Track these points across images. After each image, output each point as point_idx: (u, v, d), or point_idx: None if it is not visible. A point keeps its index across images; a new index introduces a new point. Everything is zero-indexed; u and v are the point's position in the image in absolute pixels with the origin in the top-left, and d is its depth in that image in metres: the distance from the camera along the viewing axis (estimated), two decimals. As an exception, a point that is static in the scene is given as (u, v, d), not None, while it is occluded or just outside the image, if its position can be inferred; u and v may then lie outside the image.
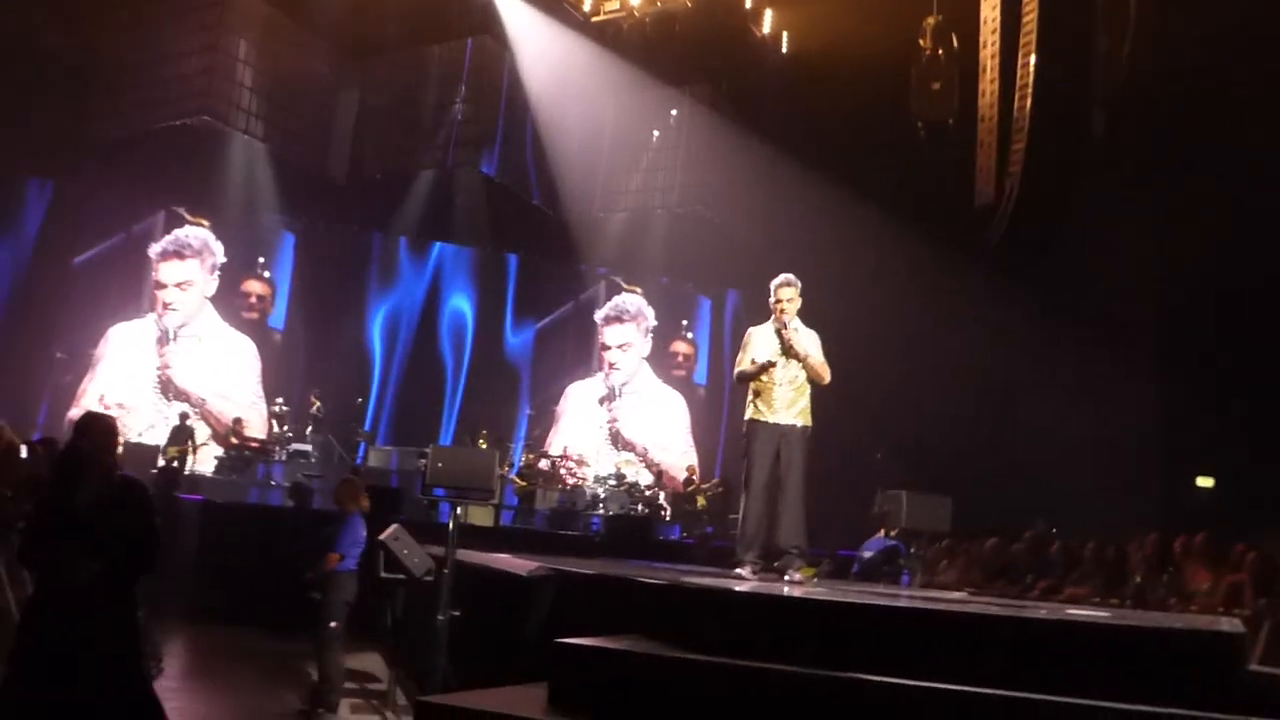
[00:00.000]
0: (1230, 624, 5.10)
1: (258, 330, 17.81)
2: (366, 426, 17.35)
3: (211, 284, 17.45)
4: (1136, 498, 14.58)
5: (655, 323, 18.60)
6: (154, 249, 17.20)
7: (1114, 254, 14.74)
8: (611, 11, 17.40)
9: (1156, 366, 15.22)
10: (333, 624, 7.92)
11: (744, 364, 7.17)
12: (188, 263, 17.29)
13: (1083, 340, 14.83)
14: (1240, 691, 4.08)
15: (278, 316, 18.07)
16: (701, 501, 16.07)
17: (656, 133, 19.18)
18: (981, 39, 14.07)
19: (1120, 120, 13.50)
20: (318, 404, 16.35)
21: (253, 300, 17.74)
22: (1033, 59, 13.36)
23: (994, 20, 13.90)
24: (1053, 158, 13.82)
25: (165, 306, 17.10)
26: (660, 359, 19.16)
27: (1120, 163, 14.14)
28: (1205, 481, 15.56)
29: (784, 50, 17.59)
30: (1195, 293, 14.67)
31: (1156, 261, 15.08)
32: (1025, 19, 13.46)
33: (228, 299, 17.59)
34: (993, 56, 13.95)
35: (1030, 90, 13.36)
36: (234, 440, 15.74)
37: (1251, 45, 12.57)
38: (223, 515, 12.44)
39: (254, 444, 15.82)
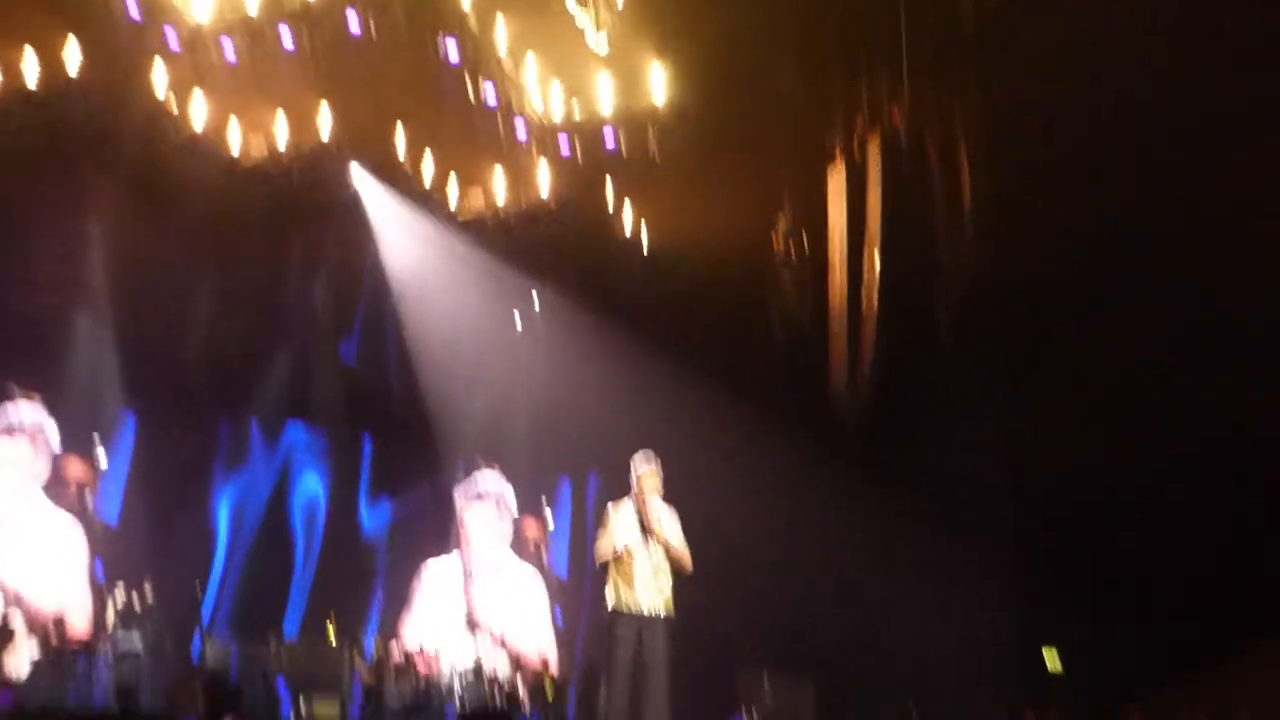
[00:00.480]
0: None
1: (84, 518, 16.64)
2: (206, 617, 16.26)
3: (41, 466, 16.41)
4: (993, 684, 14.74)
5: (515, 505, 18.22)
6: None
7: (969, 452, 15.41)
8: (475, 210, 17.87)
9: (1015, 577, 15.69)
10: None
11: (602, 541, 7.09)
12: (17, 439, 16.24)
13: (941, 542, 15.20)
14: None
15: (111, 503, 17.00)
16: (549, 693, 15.46)
17: (519, 319, 19.43)
18: (830, 240, 14.89)
19: (968, 322, 14.32)
20: (146, 596, 15.30)
21: (73, 487, 16.60)
22: (878, 262, 14.17)
23: (842, 224, 14.78)
24: (907, 356, 14.51)
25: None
26: (520, 541, 18.73)
27: (971, 365, 14.93)
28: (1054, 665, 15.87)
29: (644, 248, 18.28)
30: (1048, 492, 15.38)
31: (1010, 462, 15.81)
32: (870, 224, 14.35)
33: (53, 484, 16.49)
34: (841, 257, 14.74)
35: (876, 288, 14.10)
36: (53, 639, 14.47)
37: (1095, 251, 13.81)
38: None
39: (78, 642, 14.59)
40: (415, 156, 17.30)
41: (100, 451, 16.52)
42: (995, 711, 13.95)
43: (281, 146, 16.34)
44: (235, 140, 16.48)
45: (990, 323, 14.62)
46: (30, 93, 15.03)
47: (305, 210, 17.49)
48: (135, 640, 14.66)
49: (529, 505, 19.60)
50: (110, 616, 15.22)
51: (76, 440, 16.57)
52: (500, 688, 15.82)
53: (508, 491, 19.27)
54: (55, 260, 16.16)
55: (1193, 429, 14.05)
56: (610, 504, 7.26)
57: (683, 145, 15.83)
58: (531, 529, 19.54)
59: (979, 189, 13.90)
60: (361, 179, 16.96)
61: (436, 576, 19.35)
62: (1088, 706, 12.28)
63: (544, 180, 17.30)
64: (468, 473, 19.31)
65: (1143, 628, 13.67)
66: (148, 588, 15.65)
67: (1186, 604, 13.70)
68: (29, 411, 16.23)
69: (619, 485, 7.16)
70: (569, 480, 19.61)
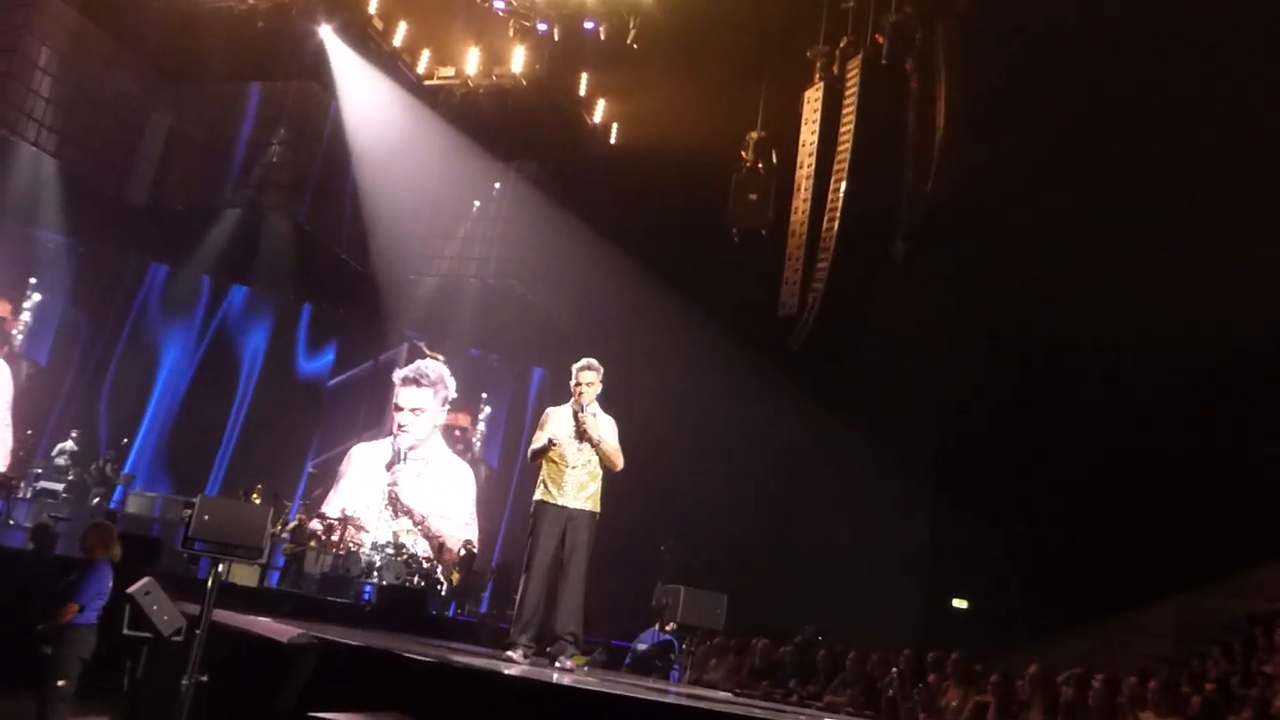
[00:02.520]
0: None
1: (8, 357, 16.30)
2: (129, 468, 16.19)
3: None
4: (899, 612, 15.27)
5: (454, 394, 18.26)
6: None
7: (904, 378, 15.67)
8: (446, 78, 17.41)
9: (931, 489, 16.15)
10: (60, 682, 7.20)
11: (538, 442, 7.12)
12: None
13: (866, 456, 15.59)
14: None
15: (40, 342, 16.69)
16: (455, 576, 15.78)
17: (478, 203, 19.15)
18: (799, 159, 14.78)
19: (921, 251, 14.39)
20: (72, 439, 15.18)
21: (-1, 320, 16.25)
22: (844, 185, 14.10)
23: (812, 144, 14.65)
24: (856, 279, 14.57)
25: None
26: (453, 430, 18.79)
27: (916, 291, 15.06)
28: (961, 603, 16.47)
29: (613, 140, 18.04)
30: (973, 423, 15.75)
31: (940, 391, 16.13)
32: (840, 147, 14.23)
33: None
34: (807, 177, 14.64)
35: (839, 214, 14.07)
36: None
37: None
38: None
39: (-4, 477, 14.49)
40: (387, 18, 16.82)
41: (30, 291, 16.45)
42: (901, 633, 14.48)
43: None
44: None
45: (941, 249, 14.79)
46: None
47: (268, 60, 16.91)
48: (56, 482, 14.65)
49: (468, 394, 19.79)
50: (32, 454, 15.22)
51: (5, 274, 16.33)
52: (419, 567, 16.13)
53: (448, 380, 19.37)
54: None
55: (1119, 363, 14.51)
56: (550, 409, 7.27)
57: (663, 40, 15.51)
58: (466, 419, 19.75)
59: (954, 119, 13.83)
60: (329, 35, 16.37)
61: (365, 459, 19.50)
62: (989, 644, 12.80)
63: (518, 58, 16.95)
64: (410, 358, 19.34)
65: (1040, 574, 14.22)
66: (74, 431, 15.67)
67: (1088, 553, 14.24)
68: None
69: (562, 383, 7.15)
70: (513, 373, 19.70)
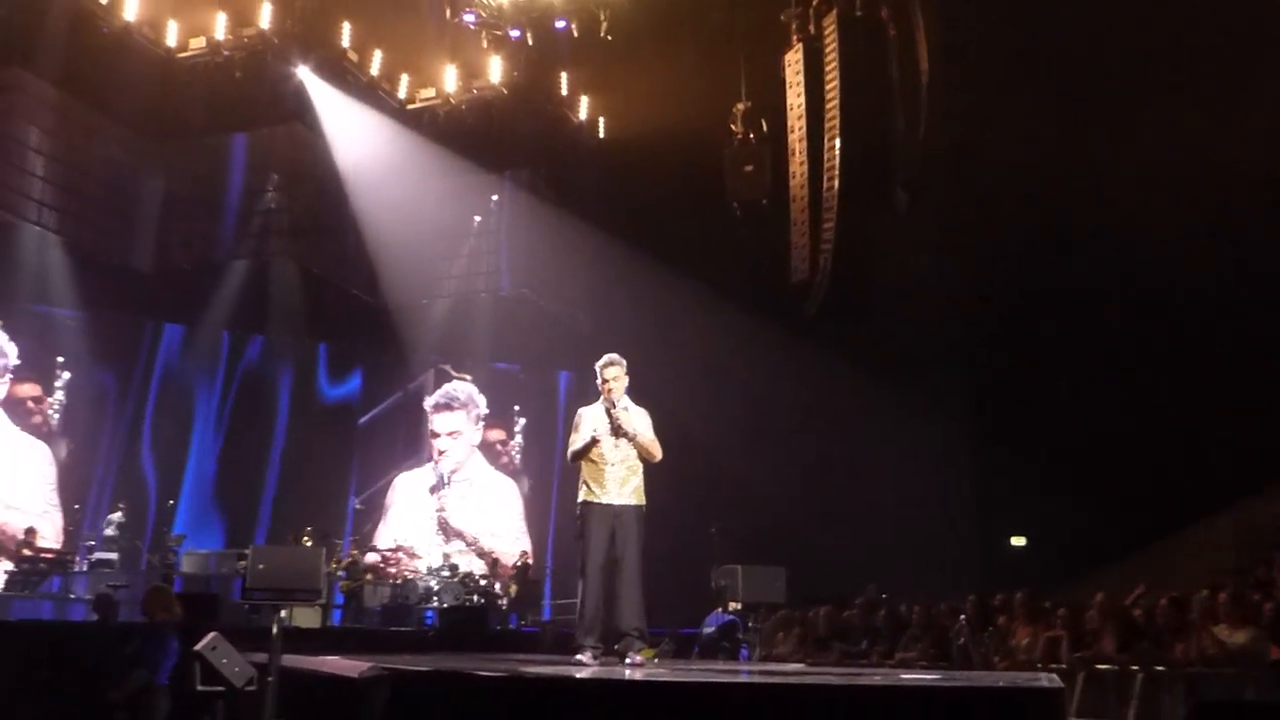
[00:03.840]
0: (1049, 679, 5.31)
1: (47, 437, 16.54)
2: (177, 528, 16.33)
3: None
4: (958, 558, 15.20)
5: (486, 410, 18.33)
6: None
7: (927, 324, 15.55)
8: (427, 99, 17.45)
9: (972, 430, 16.04)
10: (141, 747, 7.32)
11: (575, 444, 7.12)
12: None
13: (901, 407, 15.50)
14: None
15: (74, 417, 16.85)
16: (512, 588, 15.88)
17: (478, 218, 19.16)
18: (789, 124, 14.71)
19: (923, 196, 14.30)
20: (120, 510, 15.35)
21: (29, 405, 16.47)
22: (838, 142, 14.03)
23: (799, 107, 14.57)
24: (863, 235, 14.50)
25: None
26: (491, 446, 18.89)
27: (928, 236, 14.95)
28: (1019, 540, 16.38)
29: (601, 135, 18.03)
30: (1005, 357, 15.63)
31: (967, 329, 16.00)
32: (828, 105, 14.16)
33: (8, 404, 16.33)
34: (800, 140, 14.57)
35: (837, 171, 14.01)
36: (26, 552, 14.53)
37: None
38: (13, 635, 11.36)
39: (49, 555, 14.66)
40: (361, 49, 16.85)
41: (59, 370, 16.63)
42: (962, 580, 14.42)
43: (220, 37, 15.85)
44: (171, 33, 16.01)
45: (943, 194, 14.68)
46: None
47: (250, 108, 16.94)
48: (110, 552, 14.81)
49: (499, 409, 19.86)
50: (80, 527, 15.38)
51: (32, 357, 16.50)
52: (476, 585, 16.24)
53: (478, 399, 19.51)
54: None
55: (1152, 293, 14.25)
56: (581, 409, 7.27)
57: (635, 28, 15.47)
58: (502, 434, 19.85)
59: (936, 61, 13.75)
60: (307, 75, 16.41)
61: (409, 487, 19.66)
62: (1046, 579, 12.73)
63: (495, 68, 16.96)
64: (438, 382, 19.46)
65: (1093, 500, 14.08)
66: (120, 503, 15.82)
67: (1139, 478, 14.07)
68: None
69: (589, 385, 7.16)
70: (538, 381, 19.72)
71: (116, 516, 15.29)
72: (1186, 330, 13.96)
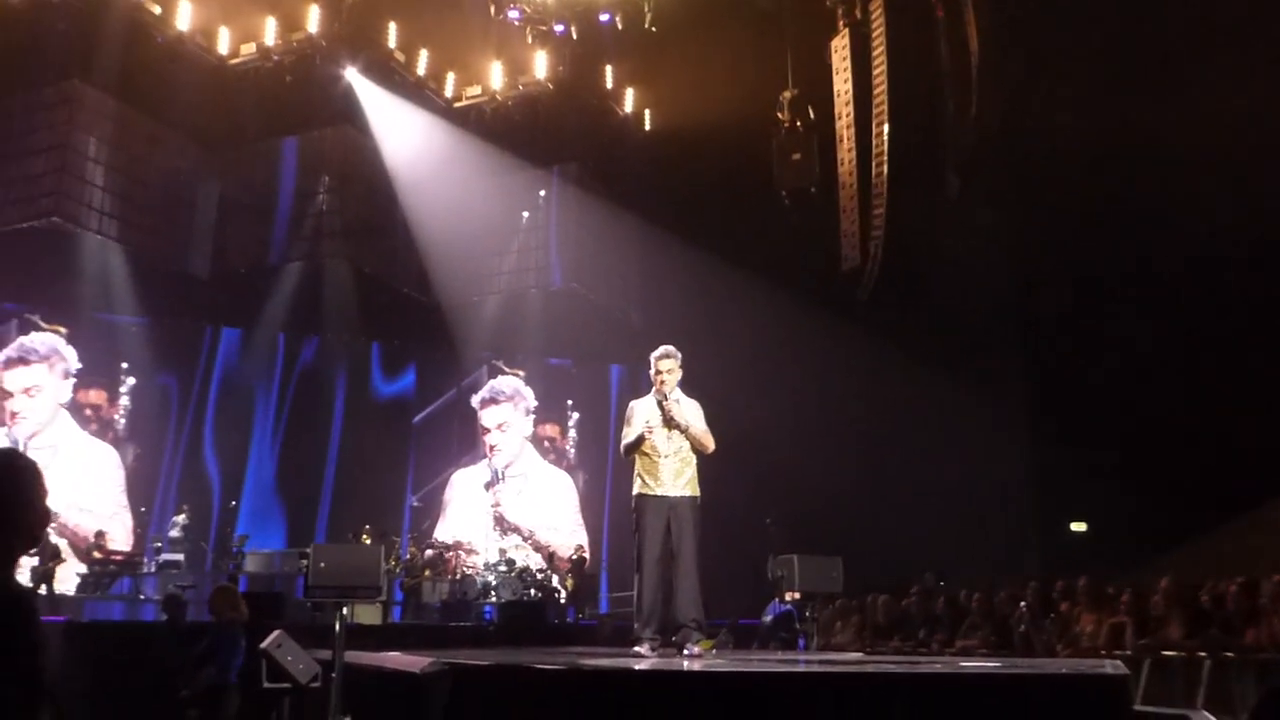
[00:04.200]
0: (1114, 666, 5.22)
1: (114, 441, 16.97)
2: (240, 528, 16.64)
3: (64, 391, 16.63)
4: (1016, 545, 15.01)
5: (535, 403, 18.45)
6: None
7: (980, 308, 15.34)
8: (474, 97, 17.59)
9: (1027, 413, 15.80)
10: (212, 743, 7.48)
11: (628, 437, 7.13)
12: (34, 368, 16.45)
13: (955, 393, 15.32)
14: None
15: (139, 422, 17.26)
16: (569, 582, 15.99)
17: (526, 214, 19.24)
18: (836, 110, 14.61)
19: (975, 179, 14.10)
20: (185, 511, 15.68)
21: (88, 411, 16.87)
22: (886, 128, 13.90)
23: (846, 93, 14.46)
24: (914, 218, 14.34)
25: (13, 416, 16.22)
26: (545, 441, 19.02)
27: (980, 219, 14.74)
28: (1079, 525, 16.12)
29: (647, 127, 18.04)
30: (1060, 339, 15.37)
31: (1021, 312, 15.77)
32: (876, 91, 14.03)
33: (75, 409, 16.77)
34: (848, 126, 14.47)
35: (885, 157, 13.88)
36: (97, 555, 14.90)
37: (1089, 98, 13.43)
38: (87, 635, 11.66)
39: (119, 557, 15.02)
40: (408, 49, 17.02)
41: (124, 376, 17.04)
42: (1019, 566, 14.23)
43: (270, 43, 16.09)
44: (223, 40, 16.29)
45: (995, 176, 14.45)
46: (7, 8, 14.74)
47: (301, 111, 17.19)
48: (176, 554, 15.15)
49: (553, 404, 19.99)
50: (147, 529, 15.74)
51: (97, 364, 16.91)
52: (534, 579, 16.38)
53: (524, 391, 19.66)
54: (55, 175, 15.99)
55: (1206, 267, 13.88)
56: (633, 402, 7.27)
57: (679, 18, 15.44)
58: (556, 429, 19.99)
59: (987, 40, 13.56)
60: (355, 77, 16.61)
61: (465, 484, 19.90)
62: (1114, 564, 12.48)
63: (540, 63, 17.03)
64: (489, 379, 19.64)
65: (1155, 485, 13.78)
66: (185, 505, 16.17)
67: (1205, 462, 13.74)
68: (44, 340, 16.54)
69: (639, 379, 7.16)
70: (590, 375, 19.81)
71: (181, 518, 15.62)
72: (1249, 310, 13.62)
